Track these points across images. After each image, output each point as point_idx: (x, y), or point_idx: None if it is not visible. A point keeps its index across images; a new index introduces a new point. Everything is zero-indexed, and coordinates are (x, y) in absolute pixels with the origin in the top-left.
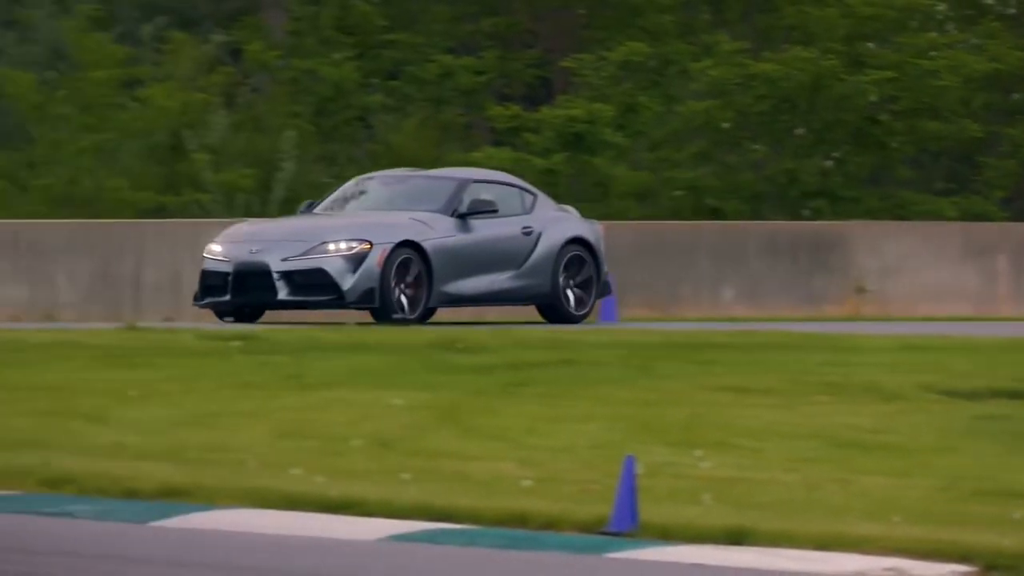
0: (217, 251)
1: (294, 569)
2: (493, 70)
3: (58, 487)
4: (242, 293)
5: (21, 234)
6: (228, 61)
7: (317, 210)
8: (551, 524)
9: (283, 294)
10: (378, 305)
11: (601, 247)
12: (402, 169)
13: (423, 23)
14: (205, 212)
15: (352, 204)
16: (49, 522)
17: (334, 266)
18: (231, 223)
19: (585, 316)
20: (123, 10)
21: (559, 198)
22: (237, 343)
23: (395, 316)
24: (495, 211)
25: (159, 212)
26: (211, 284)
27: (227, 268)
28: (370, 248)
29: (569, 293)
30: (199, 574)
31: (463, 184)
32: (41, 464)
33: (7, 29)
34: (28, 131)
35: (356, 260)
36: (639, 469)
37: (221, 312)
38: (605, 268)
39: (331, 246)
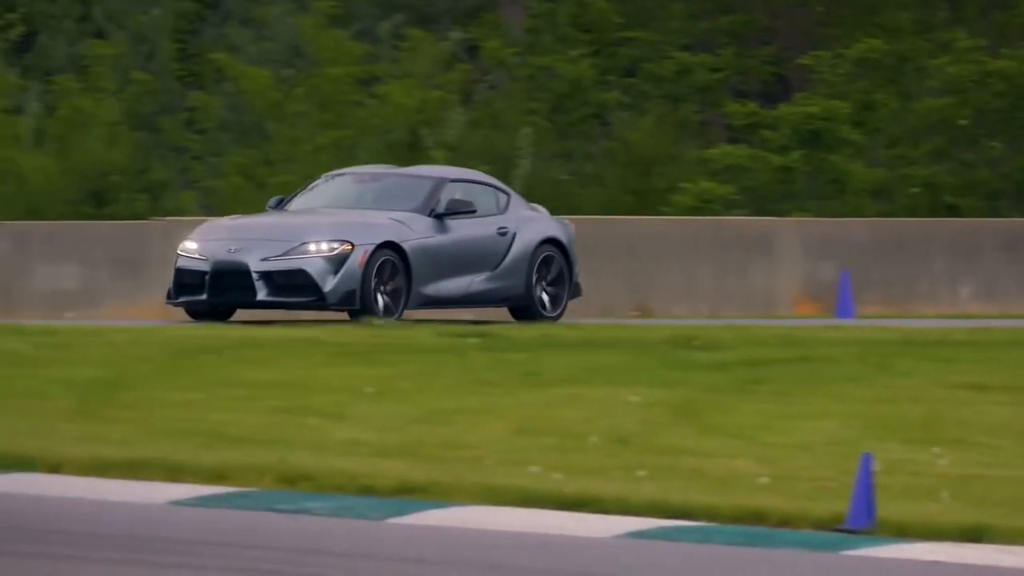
0: (192, 249)
1: (531, 566)
2: (729, 67)
3: (295, 484)
4: (220, 293)
5: None
6: (465, 58)
7: (290, 207)
8: (787, 521)
9: (262, 295)
10: (358, 307)
11: (573, 247)
12: (375, 166)
13: (660, 20)
14: None
15: (326, 202)
16: (287, 519)
17: (315, 267)
18: (206, 220)
19: (558, 318)
20: (360, 7)
21: (796, 195)
22: (474, 340)
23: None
24: (473, 211)
25: None
26: (186, 283)
27: (204, 267)
28: (352, 249)
29: (543, 294)
30: (438, 571)
31: (440, 183)
32: (278, 461)
33: (245, 27)
34: (266, 128)
35: (338, 261)
36: (876, 466)
37: (195, 312)
38: (577, 268)
39: (312, 246)
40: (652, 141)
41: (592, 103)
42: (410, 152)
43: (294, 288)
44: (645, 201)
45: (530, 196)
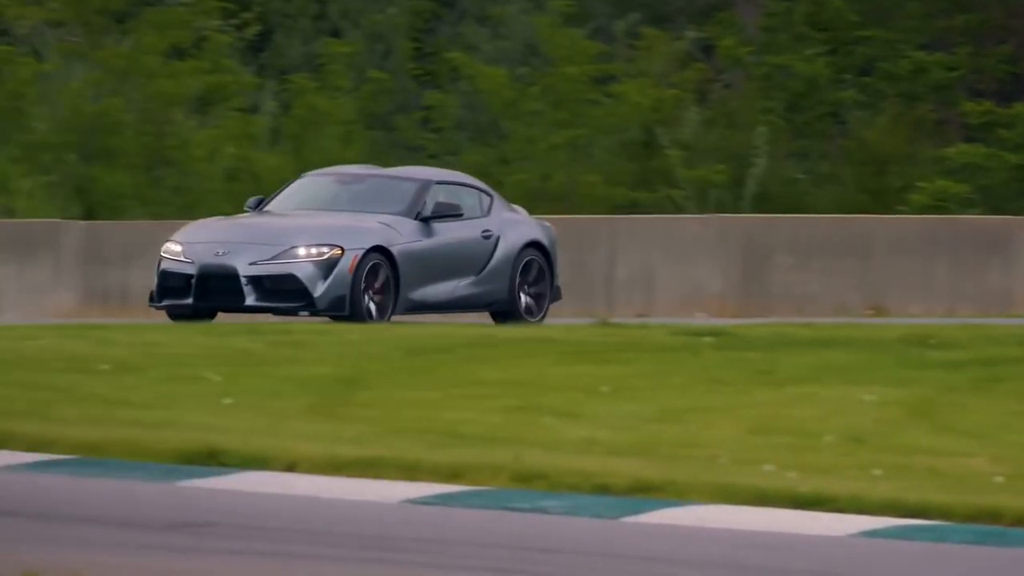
0: (177, 251)
1: (766, 565)
2: (965, 66)
3: (530, 482)
4: (206, 296)
5: None
6: (701, 57)
7: (270, 208)
8: (1022, 520)
9: (251, 299)
10: (348, 313)
11: (555, 250)
12: (356, 166)
13: (896, 19)
14: (677, 208)
15: (307, 203)
16: (522, 517)
17: (305, 272)
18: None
19: (539, 322)
20: (595, 6)
21: None
22: (709, 339)
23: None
24: (460, 215)
25: (632, 208)
26: (171, 286)
27: (190, 270)
28: (342, 254)
29: (525, 299)
30: (673, 569)
31: (425, 186)
32: (513, 459)
33: (480, 25)
34: (501, 127)
35: (327, 266)
36: None
37: (178, 315)
38: (557, 272)
39: (301, 250)
40: (888, 140)
41: (828, 102)
42: (645, 151)
43: (283, 293)
44: (880, 200)
45: (764, 195)
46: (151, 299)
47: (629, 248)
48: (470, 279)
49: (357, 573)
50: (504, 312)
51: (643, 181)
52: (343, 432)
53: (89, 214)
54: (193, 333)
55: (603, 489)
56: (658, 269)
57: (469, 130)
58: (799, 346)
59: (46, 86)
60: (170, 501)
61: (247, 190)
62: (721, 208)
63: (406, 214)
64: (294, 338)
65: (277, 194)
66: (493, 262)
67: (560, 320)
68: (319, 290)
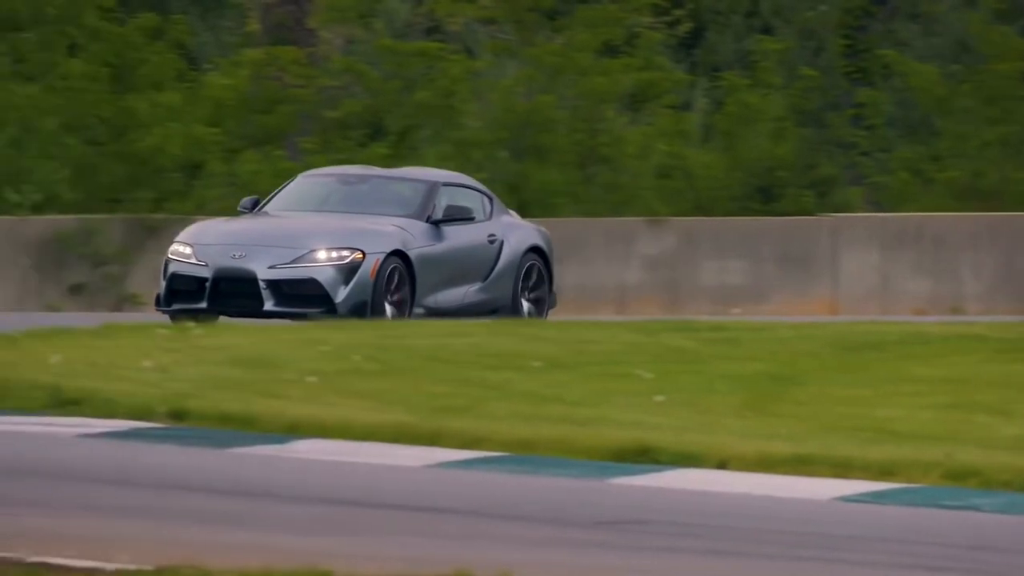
0: (187, 253)
1: None
2: None
3: (962, 480)
4: (221, 301)
5: (926, 227)
6: None
7: (268, 208)
8: None
9: (269, 304)
10: (368, 319)
11: (552, 255)
12: (356, 167)
13: None
14: None
15: (309, 204)
16: (954, 515)
17: (326, 276)
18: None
19: None
20: None
21: None
22: None
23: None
24: (472, 218)
25: None
26: (181, 289)
27: (204, 273)
28: (363, 258)
29: (527, 305)
30: None
31: (433, 188)
32: (945, 457)
33: (912, 22)
34: (933, 124)
35: (349, 270)
36: None
37: (177, 316)
38: (554, 277)
39: (321, 254)
40: None
41: None
42: None
43: (303, 298)
44: None
45: None
46: (157, 302)
47: None
48: (478, 284)
49: (789, 571)
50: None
51: None
52: (775, 429)
53: (521, 211)
54: (623, 331)
55: None
56: None
57: (900, 127)
58: None
59: (478, 83)
60: (601, 498)
61: (679, 187)
62: None
63: (417, 217)
64: (727, 335)
65: (275, 195)
66: (498, 267)
67: (991, 317)
68: (340, 295)
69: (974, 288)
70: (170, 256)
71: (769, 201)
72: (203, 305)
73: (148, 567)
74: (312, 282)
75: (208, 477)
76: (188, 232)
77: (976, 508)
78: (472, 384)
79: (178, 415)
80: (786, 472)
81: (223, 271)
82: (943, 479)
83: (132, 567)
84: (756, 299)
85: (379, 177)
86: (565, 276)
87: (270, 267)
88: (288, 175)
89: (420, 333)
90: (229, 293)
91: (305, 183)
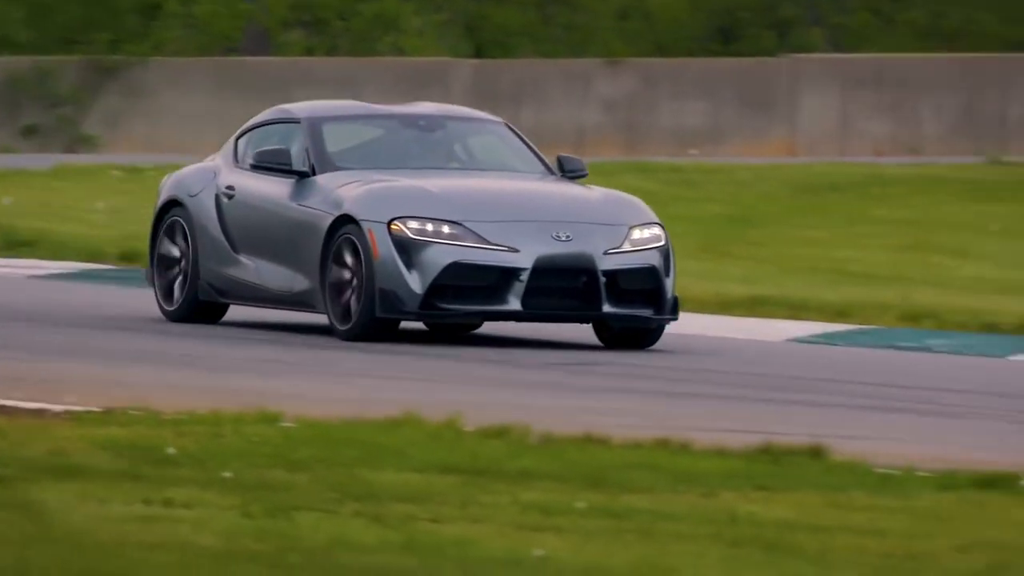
0: (452, 233)
1: None
2: None
3: (918, 321)
4: (542, 299)
5: (886, 68)
6: None
7: (342, 164)
8: None
9: (608, 305)
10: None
11: None
12: (416, 105)
13: None
14: None
15: (398, 160)
16: (907, 356)
17: (660, 264)
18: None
19: None
20: None
21: None
22: None
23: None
24: (585, 174)
25: None
26: (466, 284)
27: (516, 261)
28: (663, 235)
29: None
30: None
31: (517, 133)
32: (901, 299)
33: None
34: None
35: (665, 256)
36: None
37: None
38: None
39: (636, 233)
40: None
41: None
42: None
43: (638, 295)
44: None
45: None
46: (425, 306)
47: (1022, 87)
48: None
49: (743, 410)
50: None
51: None
52: (732, 271)
53: (479, 52)
54: None
55: (991, 328)
56: None
57: None
58: None
59: None
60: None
61: (638, 28)
62: None
63: (553, 171)
64: (684, 176)
65: (322, 143)
66: None
67: (950, 159)
68: (669, 290)
69: (934, 129)
70: (418, 237)
71: (729, 42)
72: (514, 307)
73: (96, 408)
74: (650, 272)
75: (159, 318)
76: (403, 199)
77: (929, 349)
78: None
79: (129, 257)
80: (742, 314)
81: (548, 260)
82: (898, 320)
83: (80, 408)
84: (714, 141)
85: (453, 118)
86: (522, 118)
87: (605, 252)
88: (246, 18)
89: None
90: (554, 291)
91: (378, 134)
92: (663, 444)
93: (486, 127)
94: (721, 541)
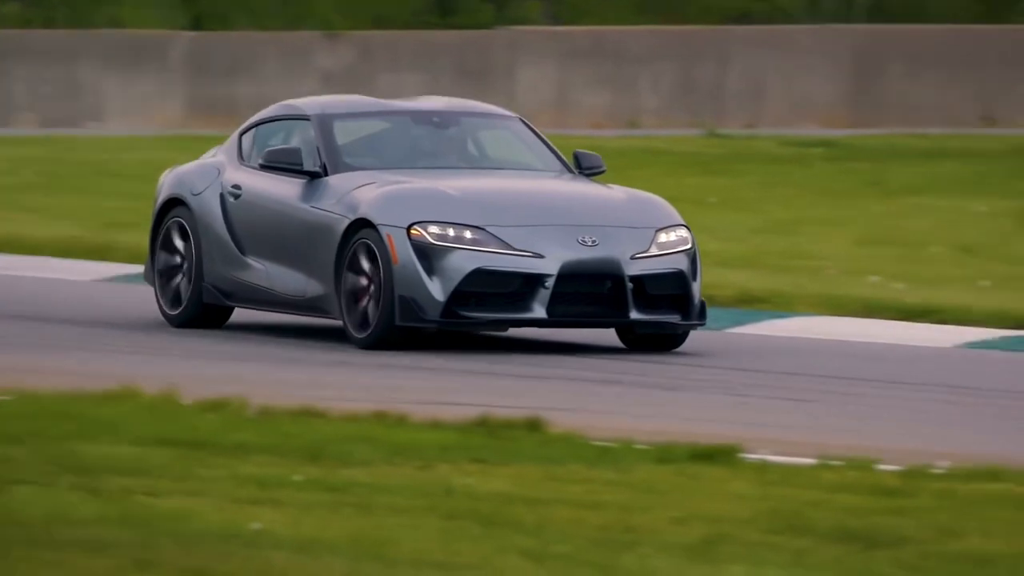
0: (473, 239)
1: (870, 376)
2: None
3: None
4: (568, 306)
5: (604, 40)
6: None
7: (350, 163)
8: None
9: (635, 311)
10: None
11: None
12: (427, 99)
13: None
14: (789, 17)
15: (408, 160)
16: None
17: (687, 269)
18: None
19: None
20: None
21: None
22: (819, 150)
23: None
24: (603, 170)
25: (743, 17)
26: (488, 291)
27: (542, 268)
28: (689, 237)
29: None
30: (776, 379)
31: (532, 128)
32: None
33: None
34: None
35: (692, 258)
36: None
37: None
38: None
39: (663, 236)
40: None
41: None
42: None
43: (665, 301)
44: (994, 9)
45: (877, 3)
46: (448, 314)
47: (739, 58)
48: None
49: (462, 384)
50: None
51: None
52: None
53: (196, 24)
54: None
55: (709, 300)
56: (770, 81)
57: None
58: (912, 157)
59: None
60: None
61: (356, 1)
62: (833, 17)
63: (571, 169)
64: None
65: (333, 141)
66: None
67: (668, 131)
68: (696, 295)
69: (652, 102)
70: (438, 242)
71: (447, 15)
72: (539, 315)
73: None
74: (678, 277)
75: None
76: (422, 203)
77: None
78: (143, 198)
79: None
80: None
81: (574, 266)
82: None
83: None
84: None
85: (463, 113)
86: (238, 93)
87: (632, 257)
88: None
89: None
90: (580, 297)
91: (375, 128)
92: (380, 417)
93: (501, 123)
94: (438, 514)
